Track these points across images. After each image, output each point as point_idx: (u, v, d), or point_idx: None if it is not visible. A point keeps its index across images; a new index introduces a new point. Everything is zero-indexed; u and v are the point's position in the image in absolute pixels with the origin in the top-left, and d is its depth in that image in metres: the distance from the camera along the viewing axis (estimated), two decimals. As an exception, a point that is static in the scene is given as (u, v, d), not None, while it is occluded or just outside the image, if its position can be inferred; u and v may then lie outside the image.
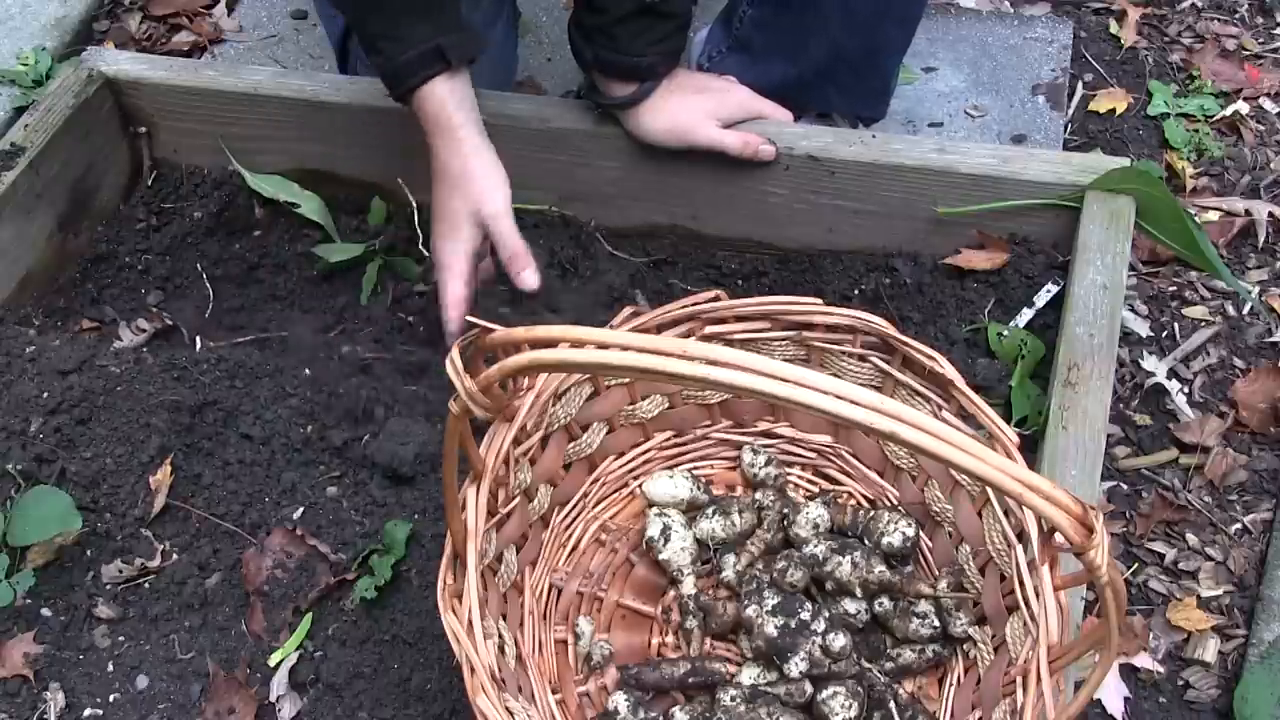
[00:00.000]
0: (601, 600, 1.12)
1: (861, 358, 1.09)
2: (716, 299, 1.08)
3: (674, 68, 1.32)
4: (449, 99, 1.20)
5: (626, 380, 1.13)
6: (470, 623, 0.88)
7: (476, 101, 1.24)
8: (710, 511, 1.11)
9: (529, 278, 1.19)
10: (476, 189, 1.20)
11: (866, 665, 1.02)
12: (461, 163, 1.20)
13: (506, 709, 0.87)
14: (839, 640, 0.98)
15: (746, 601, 1.01)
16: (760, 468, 1.15)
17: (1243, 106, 1.65)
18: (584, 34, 1.28)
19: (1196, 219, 1.47)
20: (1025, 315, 1.30)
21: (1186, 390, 1.34)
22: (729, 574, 1.09)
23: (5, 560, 1.12)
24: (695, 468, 1.18)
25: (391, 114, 1.42)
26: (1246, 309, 1.42)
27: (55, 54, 1.68)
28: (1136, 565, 1.21)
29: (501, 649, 0.97)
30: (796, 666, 0.97)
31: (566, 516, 1.13)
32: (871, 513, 1.08)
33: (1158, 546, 1.23)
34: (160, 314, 1.41)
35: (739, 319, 1.10)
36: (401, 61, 1.19)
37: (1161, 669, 1.13)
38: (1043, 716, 0.84)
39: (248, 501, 1.17)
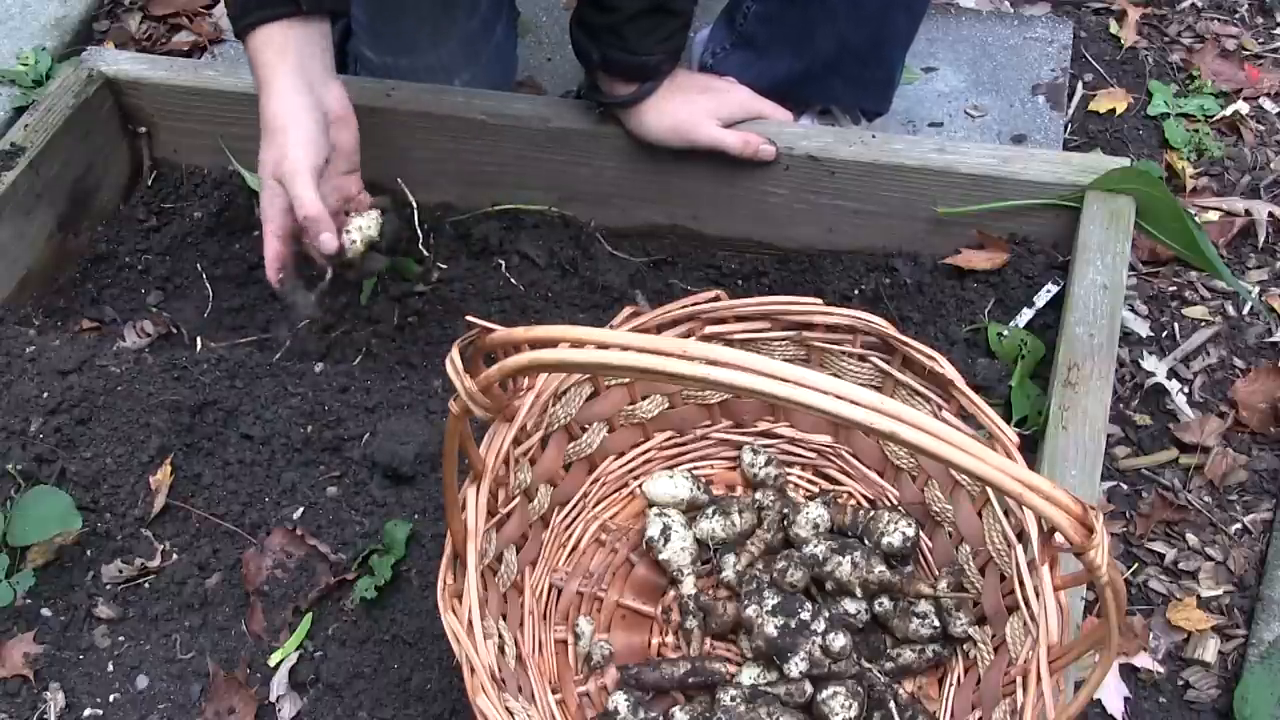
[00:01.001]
0: (601, 600, 1.12)
1: (861, 358, 1.09)
2: (716, 299, 1.08)
3: (676, 66, 1.32)
4: (281, 45, 1.13)
5: (626, 380, 1.13)
6: (470, 623, 0.88)
7: (329, 59, 1.18)
8: (710, 511, 1.11)
9: (327, 241, 1.12)
10: (278, 142, 1.12)
11: (866, 665, 1.02)
12: (270, 112, 1.13)
13: (506, 709, 0.87)
14: (839, 640, 0.98)
15: (746, 601, 1.01)
16: (760, 468, 1.15)
17: (1243, 106, 1.65)
18: (589, 33, 1.28)
19: (1196, 219, 1.47)
20: (1025, 315, 1.30)
21: (1186, 390, 1.34)
22: (729, 574, 1.09)
23: (5, 560, 1.12)
24: (695, 468, 1.18)
25: (392, 114, 1.43)
26: (1246, 309, 1.42)
27: (55, 54, 1.68)
28: (1136, 565, 1.21)
29: (501, 649, 0.97)
30: (796, 666, 0.97)
31: (566, 516, 1.13)
32: (871, 513, 1.08)
33: (1158, 546, 1.23)
34: (163, 317, 1.41)
35: (739, 319, 1.10)
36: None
37: (1161, 669, 1.13)
38: (1043, 716, 0.84)
39: (248, 501, 1.17)
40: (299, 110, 1.12)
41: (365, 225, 1.19)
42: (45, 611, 1.12)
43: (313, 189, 1.11)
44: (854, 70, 1.43)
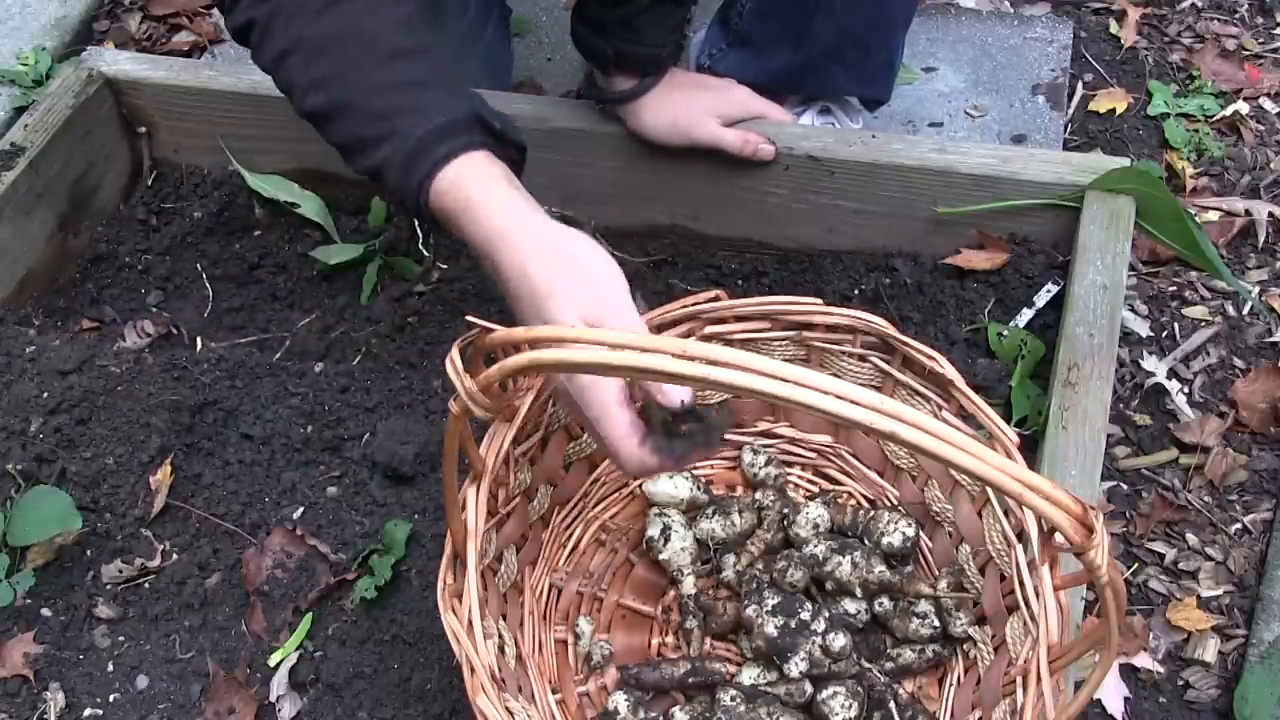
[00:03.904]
0: (601, 600, 1.12)
1: (861, 358, 1.09)
2: (716, 299, 1.08)
3: (678, 60, 1.33)
4: (489, 172, 0.90)
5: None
6: (470, 623, 0.88)
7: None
8: (710, 511, 1.11)
9: (675, 394, 0.85)
10: (592, 282, 0.87)
11: (866, 665, 1.01)
12: (561, 264, 0.87)
13: (506, 709, 0.87)
14: (839, 640, 0.98)
15: (746, 602, 1.01)
16: (760, 468, 1.15)
17: (1243, 106, 1.65)
18: (596, 28, 1.28)
19: (1196, 219, 1.47)
20: (1025, 315, 1.30)
21: (1186, 390, 1.34)
22: (729, 574, 1.09)
23: (5, 560, 1.12)
24: (695, 468, 1.18)
25: (391, 114, 1.42)
26: (1246, 309, 1.42)
27: (55, 54, 1.68)
28: (1136, 565, 1.21)
29: (501, 649, 0.97)
30: (796, 666, 0.97)
31: (566, 516, 1.13)
32: (871, 513, 1.08)
33: (1158, 546, 1.23)
34: (163, 317, 1.41)
35: (739, 319, 1.10)
36: (422, 134, 0.90)
37: (1161, 669, 1.13)
38: (1043, 716, 0.84)
39: (248, 501, 1.17)
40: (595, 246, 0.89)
41: None
42: (45, 611, 1.12)
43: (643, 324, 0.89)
44: (855, 57, 1.43)
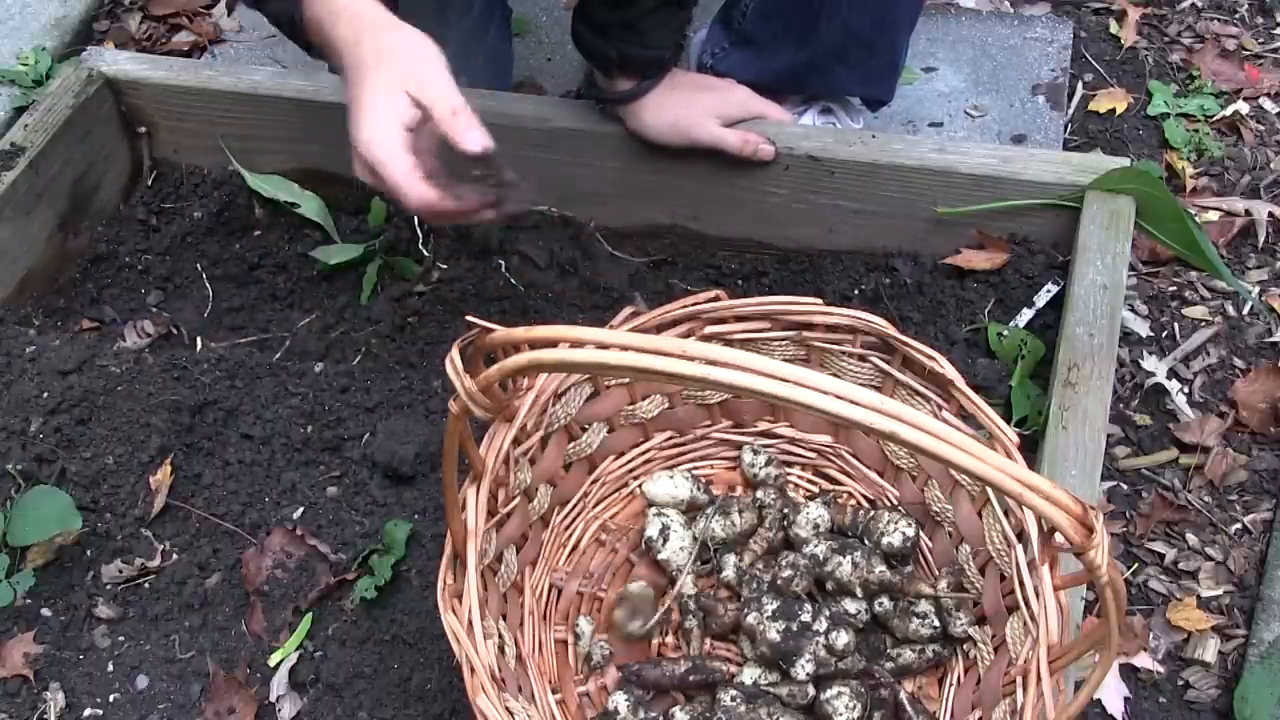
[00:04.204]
0: (601, 600, 1.12)
1: (861, 358, 1.09)
2: (716, 299, 1.08)
3: (678, 61, 1.33)
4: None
5: (626, 380, 1.13)
6: (470, 623, 0.88)
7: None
8: (710, 511, 1.11)
9: (475, 139, 0.97)
10: (402, 58, 1.00)
11: (871, 663, 1.01)
12: (387, 39, 1.01)
13: (506, 709, 0.87)
14: (842, 638, 0.98)
15: (746, 609, 1.01)
16: (760, 468, 1.15)
17: (1243, 106, 1.65)
18: (598, 30, 1.28)
19: (1196, 219, 1.47)
20: (1025, 315, 1.30)
21: (1186, 390, 1.34)
22: (729, 574, 1.09)
23: (5, 560, 1.12)
24: (695, 468, 1.18)
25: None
26: (1246, 309, 1.42)
27: (55, 54, 1.68)
28: (1136, 565, 1.21)
29: (501, 649, 0.97)
30: (803, 669, 0.97)
31: (566, 516, 1.13)
32: (871, 513, 1.08)
33: (1158, 546, 1.23)
34: (163, 317, 1.41)
35: (739, 319, 1.10)
36: None
37: (1161, 669, 1.13)
38: (1043, 716, 0.84)
39: (248, 501, 1.17)
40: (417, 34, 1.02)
41: None
42: (45, 611, 1.12)
43: (454, 87, 0.99)
44: (860, 57, 1.43)
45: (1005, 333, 1.27)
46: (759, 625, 0.99)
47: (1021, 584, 0.93)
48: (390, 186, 0.97)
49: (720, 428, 1.18)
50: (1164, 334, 1.39)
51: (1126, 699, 1.11)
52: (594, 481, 1.15)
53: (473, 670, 0.86)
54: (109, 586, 1.13)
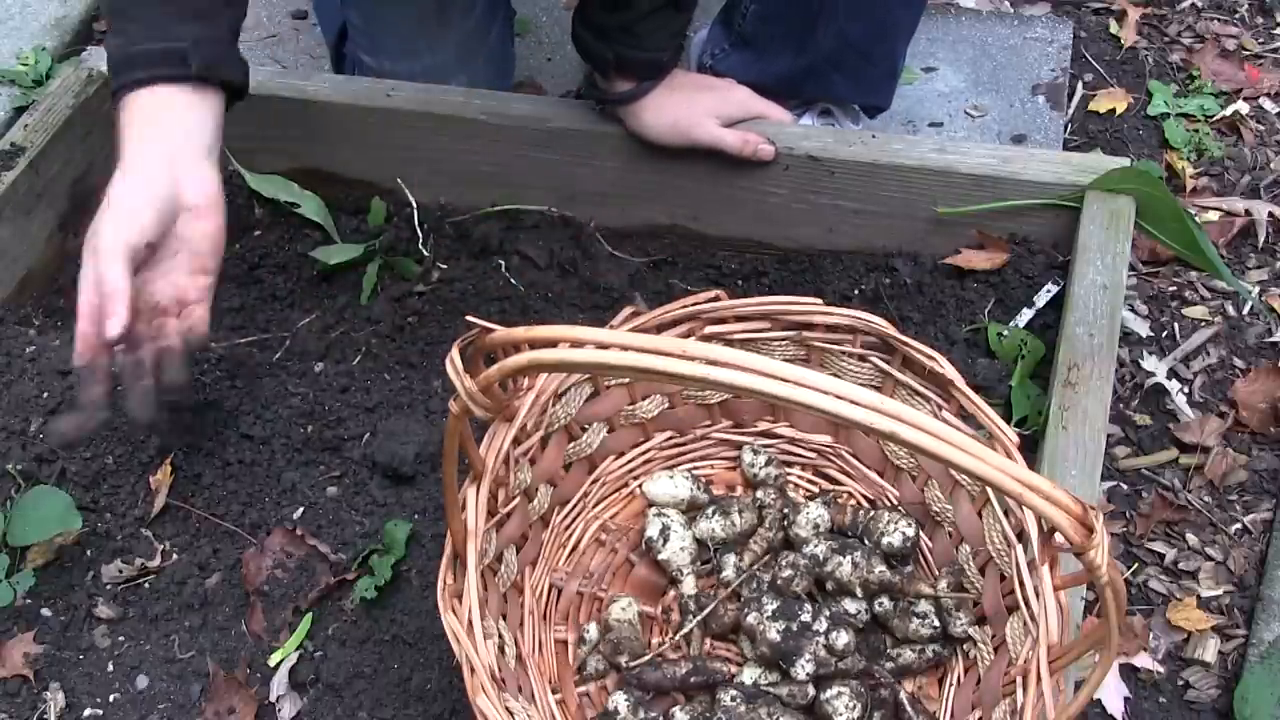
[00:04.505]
0: (601, 600, 1.12)
1: (861, 358, 1.09)
2: (716, 299, 1.08)
3: (677, 63, 1.33)
4: (152, 116, 1.03)
5: (626, 380, 1.13)
6: (470, 623, 0.88)
7: (209, 140, 1.07)
8: (710, 511, 1.11)
9: (110, 326, 0.98)
10: (99, 217, 1.03)
11: (872, 662, 1.01)
12: (109, 192, 1.04)
13: (506, 709, 0.87)
14: (843, 637, 0.98)
15: (746, 610, 1.01)
16: (760, 468, 1.15)
17: (1243, 106, 1.65)
18: (597, 32, 1.28)
19: (1196, 219, 1.47)
20: (1025, 315, 1.30)
21: (1186, 390, 1.34)
22: (729, 574, 1.09)
23: (5, 560, 1.12)
24: (695, 468, 1.18)
25: (391, 114, 1.43)
26: (1246, 309, 1.42)
27: (55, 54, 1.68)
28: (1136, 565, 1.21)
29: (501, 649, 0.97)
30: (803, 669, 0.97)
31: (566, 516, 1.13)
32: (871, 513, 1.08)
33: (1158, 546, 1.23)
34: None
35: (739, 319, 1.10)
36: (137, 51, 1.02)
37: (1161, 669, 1.13)
38: (1043, 716, 0.84)
39: (248, 501, 1.17)
40: (135, 190, 1.02)
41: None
42: (45, 611, 1.12)
43: (118, 266, 0.99)
44: (856, 65, 1.43)
45: (1005, 333, 1.27)
46: (759, 625, 0.99)
47: (1021, 584, 0.93)
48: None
49: (720, 428, 1.18)
50: (1164, 334, 1.40)
51: (1126, 699, 1.11)
52: (594, 481, 1.15)
53: (473, 670, 0.86)
54: (109, 586, 1.13)
